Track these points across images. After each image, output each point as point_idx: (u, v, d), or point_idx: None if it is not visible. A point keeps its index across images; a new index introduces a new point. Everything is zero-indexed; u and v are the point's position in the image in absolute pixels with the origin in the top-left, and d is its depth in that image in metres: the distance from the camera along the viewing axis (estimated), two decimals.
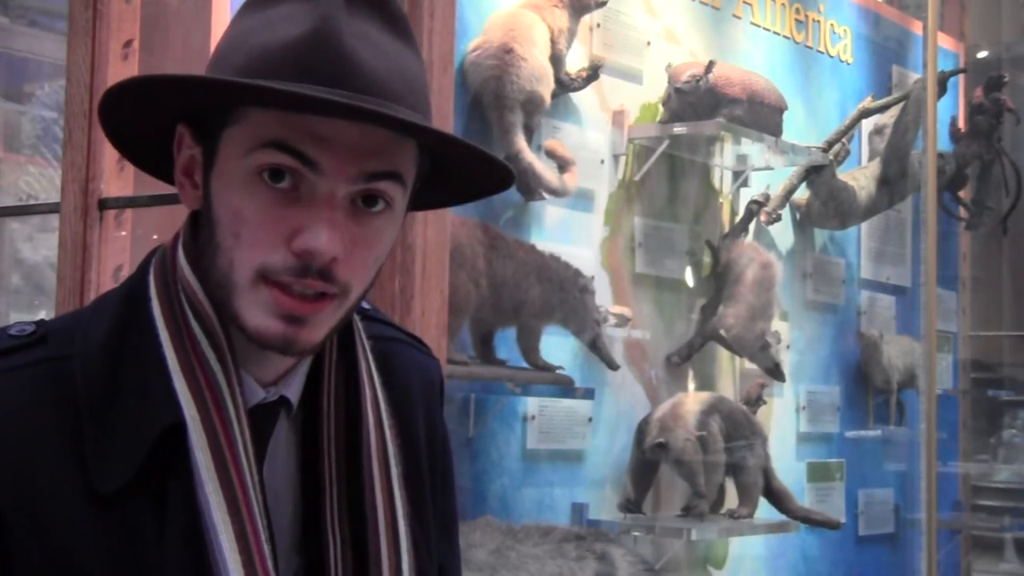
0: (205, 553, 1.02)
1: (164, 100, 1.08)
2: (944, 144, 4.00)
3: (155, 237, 2.20)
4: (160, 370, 1.04)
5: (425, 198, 1.16)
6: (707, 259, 3.28)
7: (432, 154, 1.10)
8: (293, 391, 1.12)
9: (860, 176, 3.69)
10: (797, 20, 3.61)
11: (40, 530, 0.99)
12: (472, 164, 1.13)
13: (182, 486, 1.03)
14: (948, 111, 4.11)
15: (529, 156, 2.59)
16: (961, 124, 4.14)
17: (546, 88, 2.64)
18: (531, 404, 2.74)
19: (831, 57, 3.76)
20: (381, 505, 1.12)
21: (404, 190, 1.07)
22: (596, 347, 2.71)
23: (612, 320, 2.90)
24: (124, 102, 1.07)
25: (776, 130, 3.19)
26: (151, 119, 1.10)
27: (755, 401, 3.26)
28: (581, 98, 2.90)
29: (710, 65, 3.00)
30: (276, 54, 1.01)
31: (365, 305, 1.21)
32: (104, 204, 1.99)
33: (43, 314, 4.43)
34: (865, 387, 3.83)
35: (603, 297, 2.88)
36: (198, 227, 1.10)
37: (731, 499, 3.14)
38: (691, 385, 3.21)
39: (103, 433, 1.02)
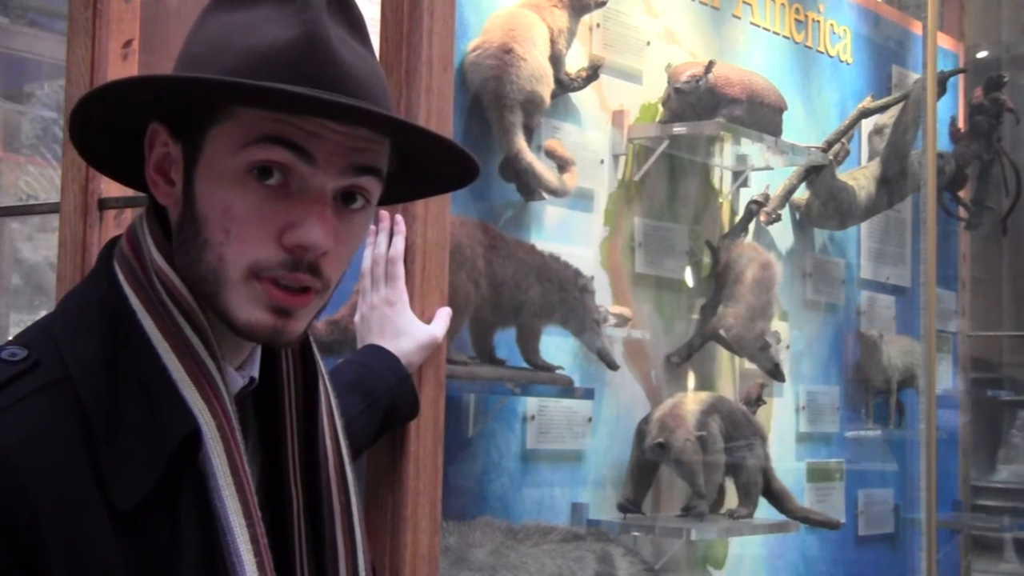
0: (219, 559, 1.04)
1: (153, 100, 1.09)
2: (944, 144, 4.00)
3: None
4: (162, 381, 1.05)
5: (391, 194, 1.20)
6: (707, 259, 3.28)
7: (401, 152, 1.15)
8: (256, 368, 1.17)
9: (860, 176, 3.69)
10: (797, 20, 3.61)
11: (73, 550, 0.99)
12: (442, 161, 1.18)
13: (193, 494, 1.04)
14: (948, 111, 4.10)
15: (529, 156, 2.59)
16: (961, 124, 4.14)
17: (546, 88, 2.63)
18: (531, 404, 2.74)
19: (831, 57, 3.76)
20: (332, 458, 1.20)
21: (380, 186, 1.12)
22: (596, 347, 2.71)
23: (612, 320, 2.90)
24: (105, 103, 1.08)
25: (776, 130, 3.19)
26: (123, 120, 1.11)
27: (755, 401, 3.26)
28: (581, 98, 2.90)
29: (710, 65, 3.00)
30: (269, 57, 1.04)
31: None
32: (104, 204, 1.99)
33: (43, 314, 4.42)
34: (865, 387, 3.83)
35: (603, 297, 2.88)
36: (164, 223, 1.12)
37: (731, 499, 3.14)
38: (691, 385, 3.20)
39: (116, 452, 1.02)
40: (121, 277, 1.10)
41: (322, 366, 1.23)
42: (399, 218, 1.75)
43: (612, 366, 2.76)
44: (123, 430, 1.03)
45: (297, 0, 1.06)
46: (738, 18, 3.40)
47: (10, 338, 1.09)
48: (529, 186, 2.66)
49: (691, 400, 3.04)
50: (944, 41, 4.16)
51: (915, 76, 3.90)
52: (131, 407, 1.04)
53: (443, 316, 1.77)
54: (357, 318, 1.78)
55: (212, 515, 1.04)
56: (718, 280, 3.25)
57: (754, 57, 3.42)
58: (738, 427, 3.09)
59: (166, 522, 1.03)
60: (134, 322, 1.07)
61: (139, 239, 1.12)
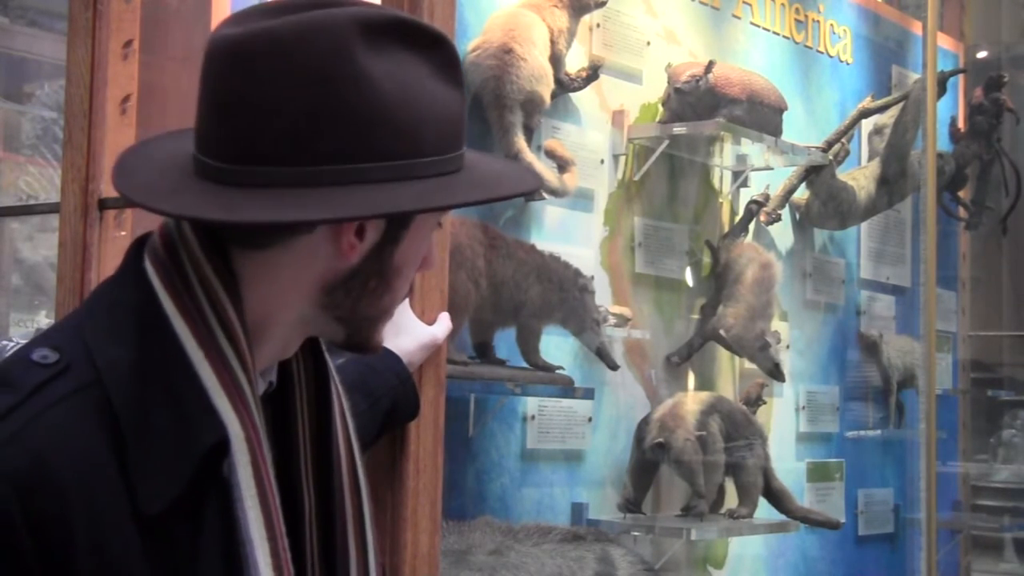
0: (239, 570, 1.04)
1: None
2: (944, 144, 4.00)
3: None
4: (193, 388, 1.05)
5: None
6: (707, 259, 3.28)
7: None
8: (275, 372, 1.18)
9: (860, 176, 3.70)
10: (797, 20, 3.61)
11: (99, 554, 1.00)
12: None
13: (218, 502, 1.05)
14: (948, 111, 4.11)
15: (529, 156, 2.59)
16: (961, 124, 4.14)
17: (546, 88, 2.64)
18: (531, 404, 2.75)
19: (831, 57, 3.76)
20: (344, 460, 1.20)
21: None
22: (596, 347, 2.71)
23: (612, 320, 2.90)
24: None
25: (776, 130, 3.19)
26: None
27: (755, 401, 3.26)
28: (581, 98, 2.90)
29: (710, 65, 3.00)
30: (451, 124, 1.12)
31: None
32: (104, 204, 1.99)
33: (43, 314, 4.43)
34: (865, 387, 3.83)
35: (603, 297, 2.88)
36: (213, 237, 1.10)
37: (731, 499, 3.14)
38: (691, 385, 3.21)
39: (145, 457, 1.03)
40: (155, 280, 1.08)
41: (332, 367, 1.23)
42: None
43: (612, 366, 2.76)
44: (152, 436, 1.03)
45: (442, 50, 1.11)
46: (738, 18, 3.40)
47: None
48: None
49: (691, 400, 3.04)
50: (944, 41, 4.17)
51: (915, 76, 3.90)
52: (160, 413, 1.04)
53: (444, 320, 1.77)
54: None
55: (235, 524, 1.04)
56: (718, 280, 3.25)
57: (754, 57, 3.42)
58: (738, 427, 3.09)
59: (190, 529, 1.03)
60: (167, 327, 1.06)
61: (176, 243, 1.09)
